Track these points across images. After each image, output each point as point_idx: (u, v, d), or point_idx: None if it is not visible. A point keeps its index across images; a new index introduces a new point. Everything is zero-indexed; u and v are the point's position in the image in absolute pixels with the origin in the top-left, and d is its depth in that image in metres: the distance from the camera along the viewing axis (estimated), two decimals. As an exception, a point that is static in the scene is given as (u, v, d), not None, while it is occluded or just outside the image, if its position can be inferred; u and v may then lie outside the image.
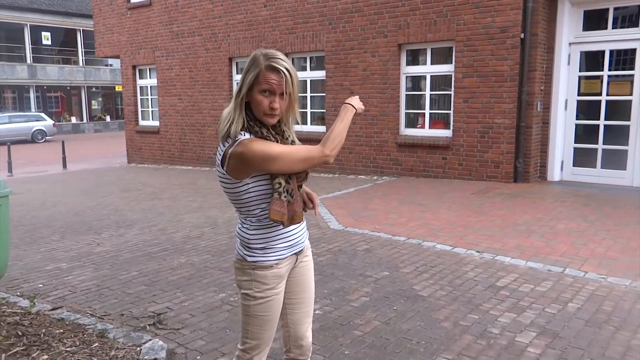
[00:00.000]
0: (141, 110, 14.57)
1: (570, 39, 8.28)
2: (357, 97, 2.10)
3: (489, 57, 8.33)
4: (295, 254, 2.04)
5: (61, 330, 3.24)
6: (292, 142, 1.98)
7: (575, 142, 8.49)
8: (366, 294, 3.96)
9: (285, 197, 1.86)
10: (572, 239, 5.24)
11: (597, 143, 8.24)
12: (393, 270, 4.48)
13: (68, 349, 2.96)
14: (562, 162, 8.59)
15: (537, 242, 5.18)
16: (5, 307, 3.63)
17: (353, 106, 2.02)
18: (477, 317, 3.50)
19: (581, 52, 8.32)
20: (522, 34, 8.00)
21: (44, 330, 3.22)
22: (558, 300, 3.77)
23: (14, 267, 4.75)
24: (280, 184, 1.85)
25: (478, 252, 4.93)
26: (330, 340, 3.19)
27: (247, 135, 1.84)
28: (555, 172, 8.56)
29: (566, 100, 8.46)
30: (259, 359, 2.07)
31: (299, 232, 2.04)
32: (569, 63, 8.35)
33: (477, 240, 5.31)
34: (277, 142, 1.89)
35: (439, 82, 9.30)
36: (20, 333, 3.15)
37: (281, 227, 1.93)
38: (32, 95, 31.18)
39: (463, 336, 3.23)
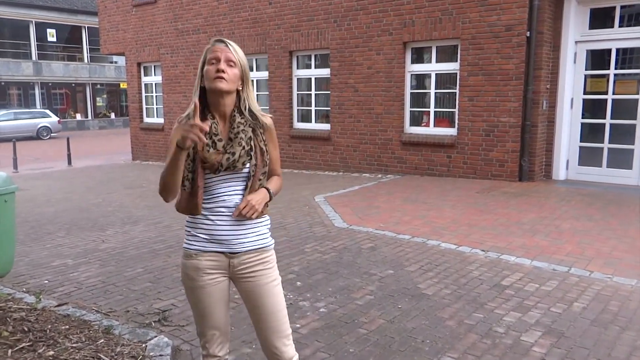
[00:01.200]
0: (146, 108, 14.60)
1: (576, 37, 8.24)
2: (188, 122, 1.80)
3: (494, 56, 8.30)
4: (223, 253, 1.97)
5: (67, 326, 3.25)
6: (237, 135, 1.92)
7: (580, 141, 8.46)
8: (371, 292, 3.96)
9: (184, 187, 1.92)
10: (577, 239, 5.23)
11: (603, 142, 8.21)
12: (398, 269, 4.47)
13: (74, 345, 2.97)
14: (568, 161, 8.56)
15: (542, 241, 5.16)
16: (11, 302, 3.65)
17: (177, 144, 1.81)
18: (482, 316, 3.50)
19: (587, 51, 8.28)
20: (528, 32, 7.97)
21: (49, 326, 3.23)
22: (563, 299, 3.76)
23: (20, 263, 4.77)
24: (183, 175, 1.91)
25: (483, 250, 4.92)
26: (335, 338, 3.19)
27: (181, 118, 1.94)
28: (560, 171, 8.53)
29: (572, 99, 8.43)
30: (210, 347, 2.06)
31: (228, 230, 1.95)
32: (575, 61, 8.31)
33: (482, 239, 5.30)
34: (210, 131, 1.89)
35: (444, 80, 9.28)
36: (26, 329, 3.16)
37: (201, 215, 1.96)
38: (37, 92, 31.29)
39: (468, 335, 3.22)
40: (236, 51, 1.92)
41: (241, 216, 1.92)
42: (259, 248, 2.01)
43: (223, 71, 1.87)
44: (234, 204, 1.95)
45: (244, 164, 1.93)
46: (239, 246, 1.97)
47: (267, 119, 2.03)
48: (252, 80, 2.03)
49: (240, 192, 1.96)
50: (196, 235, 1.98)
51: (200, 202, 1.93)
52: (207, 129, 1.73)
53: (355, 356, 2.98)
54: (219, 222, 1.95)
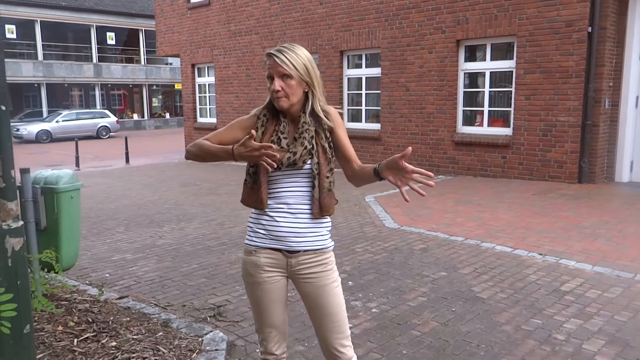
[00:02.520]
0: (199, 108, 14.98)
1: (642, 32, 7.85)
2: (254, 146, 1.84)
3: (553, 53, 8.02)
4: (281, 251, 1.98)
5: (128, 319, 3.37)
6: (301, 135, 1.93)
7: (646, 142, 8.06)
8: (423, 293, 3.91)
9: (247, 181, 2.00)
10: (643, 244, 4.97)
11: (670, 142, 7.78)
12: (451, 271, 4.39)
13: (134, 337, 3.08)
14: (632, 162, 8.16)
15: (604, 246, 4.94)
16: (76, 294, 3.82)
17: (234, 156, 1.88)
18: (541, 321, 3.38)
19: (654, 46, 7.87)
20: (590, 28, 7.65)
21: (112, 318, 3.36)
22: (628, 307, 3.58)
23: (83, 256, 4.99)
24: (247, 169, 2.02)
25: (540, 254, 4.76)
26: (387, 339, 3.17)
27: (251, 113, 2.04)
28: (623, 173, 8.14)
29: (637, 97, 8.02)
30: (268, 344, 2.06)
31: (286, 228, 1.95)
32: (640, 58, 7.92)
33: (540, 242, 5.13)
34: (278, 129, 1.96)
35: (499, 78, 9.04)
36: (90, 320, 3.31)
37: (261, 211, 2.00)
38: (97, 93, 32.67)
39: (526, 341, 3.12)
40: (287, 61, 1.87)
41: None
42: (318, 249, 1.99)
43: (278, 91, 1.88)
44: (294, 201, 1.96)
45: (304, 161, 1.94)
46: (296, 245, 1.97)
47: (330, 113, 1.99)
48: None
49: (303, 189, 1.97)
50: (256, 232, 2.01)
51: (264, 197, 1.96)
52: (271, 154, 1.81)
53: (409, 358, 2.95)
54: (277, 219, 1.97)
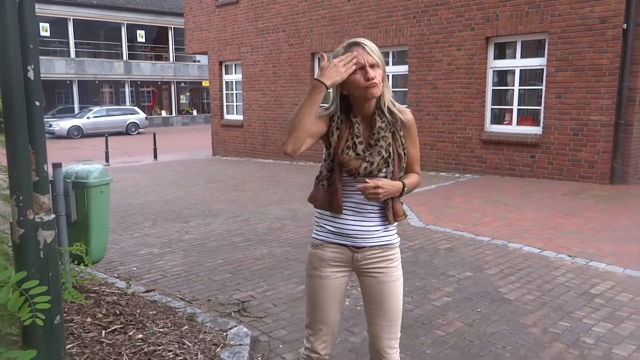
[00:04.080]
0: (226, 105, 15.10)
1: (680, 29, 7.59)
2: (334, 61, 1.80)
3: (585, 50, 7.82)
4: (347, 246, 1.98)
5: (154, 312, 3.43)
6: (377, 142, 1.91)
7: (682, 142, 7.80)
8: (448, 293, 3.87)
9: (322, 185, 1.98)
10: (677, 247, 4.82)
11: None
12: (477, 271, 4.33)
13: (161, 330, 3.13)
14: (667, 163, 7.92)
15: (637, 249, 4.81)
16: (104, 287, 3.91)
17: (321, 81, 1.78)
18: (569, 324, 3.31)
19: (693, 43, 7.60)
20: (625, 24, 7.44)
21: (138, 311, 3.42)
22: (661, 312, 3.48)
23: (111, 250, 5.09)
24: (321, 172, 2.00)
25: (569, 256, 4.66)
26: (411, 339, 3.15)
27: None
28: (658, 174, 7.91)
29: (673, 96, 7.77)
30: (315, 341, 2.06)
31: (353, 225, 1.96)
32: (678, 55, 7.66)
33: (569, 244, 5.02)
34: (353, 132, 1.92)
35: (529, 76, 8.87)
36: (118, 312, 3.37)
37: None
38: (127, 90, 33.29)
39: (553, 344, 3.06)
40: (373, 51, 1.87)
41: (362, 191, 1.86)
42: (384, 245, 2.00)
43: (374, 78, 1.84)
44: (364, 202, 1.95)
45: (380, 170, 1.93)
46: (363, 242, 1.97)
47: (406, 115, 1.97)
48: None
49: None
50: (323, 227, 2.02)
51: (341, 202, 1.95)
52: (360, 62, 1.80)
53: (433, 358, 2.92)
54: (346, 218, 1.97)
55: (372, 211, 1.97)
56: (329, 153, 1.95)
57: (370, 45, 1.87)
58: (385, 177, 1.93)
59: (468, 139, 9.37)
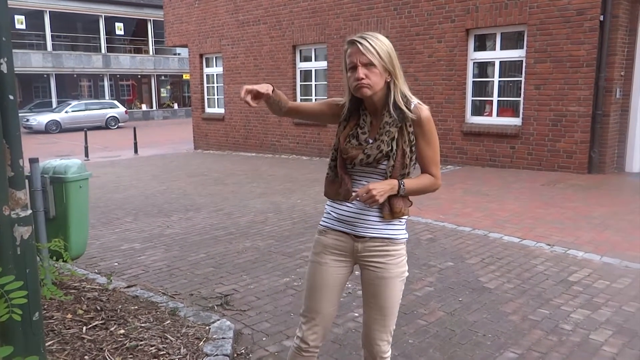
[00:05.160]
0: (207, 98, 14.98)
1: (655, 20, 7.73)
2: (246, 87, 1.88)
3: (563, 41, 7.92)
4: (348, 234, 1.99)
5: (136, 307, 3.41)
6: (380, 136, 1.90)
7: (657, 132, 7.96)
8: (430, 283, 3.91)
9: (330, 175, 2.05)
10: (652, 235, 4.93)
11: (682, 132, 7.69)
12: (458, 261, 4.39)
13: (143, 325, 3.11)
14: (643, 153, 8.08)
15: (613, 237, 4.91)
16: (85, 283, 3.86)
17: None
18: (548, 312, 3.38)
19: (667, 35, 7.76)
20: (602, 16, 7.55)
21: (120, 306, 3.39)
22: (637, 298, 3.56)
23: (92, 245, 5.03)
24: (329, 163, 2.07)
25: (548, 245, 4.74)
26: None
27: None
28: (634, 163, 8.07)
29: (649, 87, 7.93)
30: (306, 330, 2.05)
31: (355, 212, 1.96)
32: (653, 46, 7.81)
33: (548, 232, 5.10)
34: (357, 123, 1.98)
35: (509, 68, 8.96)
36: (99, 308, 3.34)
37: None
38: (106, 83, 32.79)
39: (532, 331, 3.12)
40: (371, 48, 1.83)
41: (360, 201, 1.87)
42: (385, 238, 1.97)
43: (362, 79, 1.84)
44: None
45: (379, 161, 1.92)
46: (363, 231, 1.97)
47: (419, 112, 1.92)
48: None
49: None
50: (329, 214, 2.06)
51: (350, 188, 1.95)
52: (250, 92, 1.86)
53: (415, 347, 2.96)
54: (348, 203, 1.98)
55: None
56: (336, 142, 2.01)
57: (367, 43, 1.84)
58: (385, 171, 1.92)
59: (449, 131, 9.44)
